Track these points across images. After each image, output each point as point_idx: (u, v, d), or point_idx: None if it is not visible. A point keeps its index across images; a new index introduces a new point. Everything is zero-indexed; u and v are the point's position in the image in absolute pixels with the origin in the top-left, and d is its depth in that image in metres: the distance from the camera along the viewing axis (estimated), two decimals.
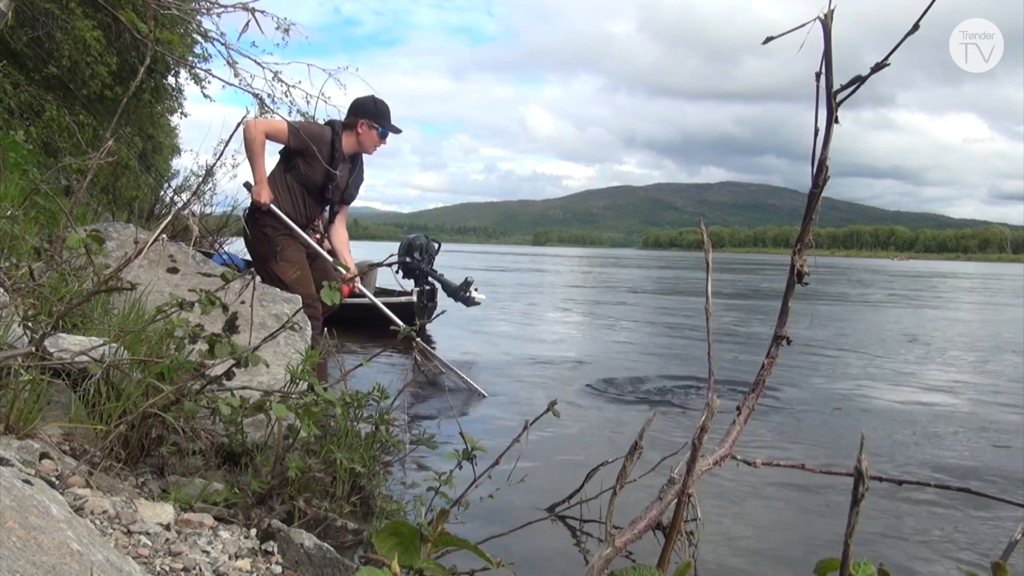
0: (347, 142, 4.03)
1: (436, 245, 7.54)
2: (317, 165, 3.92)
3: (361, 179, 4.22)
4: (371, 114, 4.03)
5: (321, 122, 4.20)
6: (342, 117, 4.15)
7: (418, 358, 4.65)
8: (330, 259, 3.96)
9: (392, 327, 2.56)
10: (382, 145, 4.14)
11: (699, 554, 2.07)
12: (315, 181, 3.95)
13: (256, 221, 3.93)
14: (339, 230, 4.23)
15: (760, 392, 1.74)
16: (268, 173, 4.00)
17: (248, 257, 4.30)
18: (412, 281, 7.40)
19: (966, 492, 1.82)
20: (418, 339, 4.32)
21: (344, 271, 2.37)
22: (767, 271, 35.64)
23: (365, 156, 4.20)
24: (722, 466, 1.72)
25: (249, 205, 3.99)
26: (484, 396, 4.53)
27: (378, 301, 4.59)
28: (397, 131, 4.16)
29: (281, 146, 3.97)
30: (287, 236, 3.91)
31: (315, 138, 3.91)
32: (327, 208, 4.20)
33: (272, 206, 3.89)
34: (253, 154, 3.82)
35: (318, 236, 4.21)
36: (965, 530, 2.64)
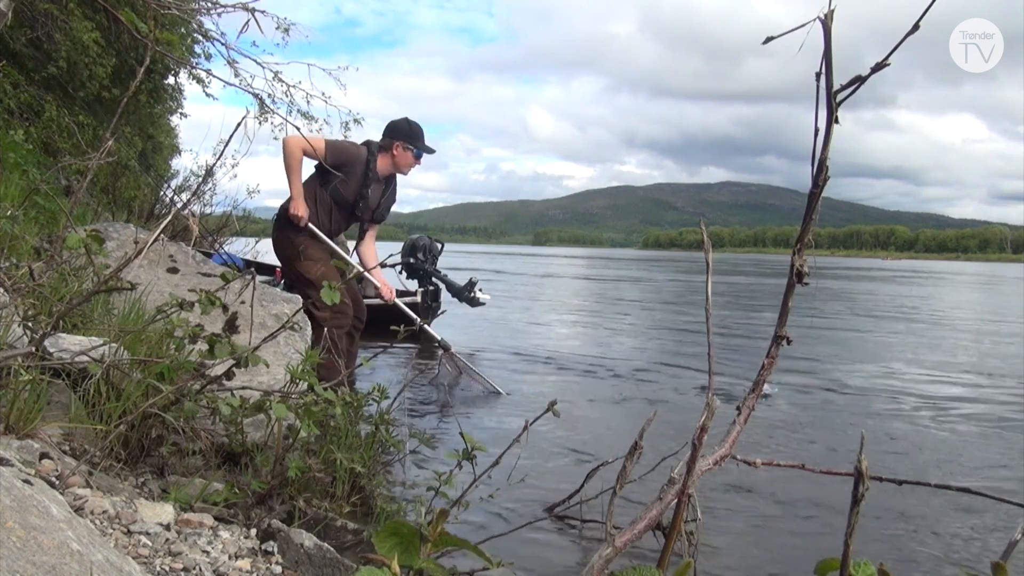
0: (382, 163, 4.12)
1: (439, 246, 7.56)
2: (351, 183, 4.02)
3: (393, 199, 4.31)
4: (406, 136, 4.12)
5: (358, 142, 4.24)
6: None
7: (444, 361, 4.69)
8: (358, 266, 3.95)
9: (393, 327, 2.55)
10: (417, 166, 4.23)
11: (699, 554, 2.07)
12: (347, 198, 4.05)
13: (280, 225, 4.02)
14: (368, 247, 4.31)
15: (760, 392, 1.74)
16: (303, 182, 4.06)
17: (247, 258, 4.33)
18: (416, 282, 7.41)
19: (966, 492, 1.82)
20: (450, 348, 4.37)
21: (345, 267, 2.36)
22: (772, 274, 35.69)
23: (400, 180, 4.29)
24: (722, 466, 1.73)
25: (278, 212, 4.06)
26: (503, 394, 4.57)
27: (408, 310, 4.59)
28: (431, 151, 4.25)
29: (314, 163, 4.03)
30: (308, 237, 3.98)
31: (351, 157, 4.01)
32: (357, 224, 4.26)
33: (310, 225, 3.96)
34: (290, 169, 3.91)
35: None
36: (965, 530, 2.65)
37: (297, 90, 7.79)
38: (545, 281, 20.74)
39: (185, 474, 2.02)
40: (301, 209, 3.92)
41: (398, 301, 4.43)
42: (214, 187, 9.98)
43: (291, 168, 3.90)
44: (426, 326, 4.37)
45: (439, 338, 4.74)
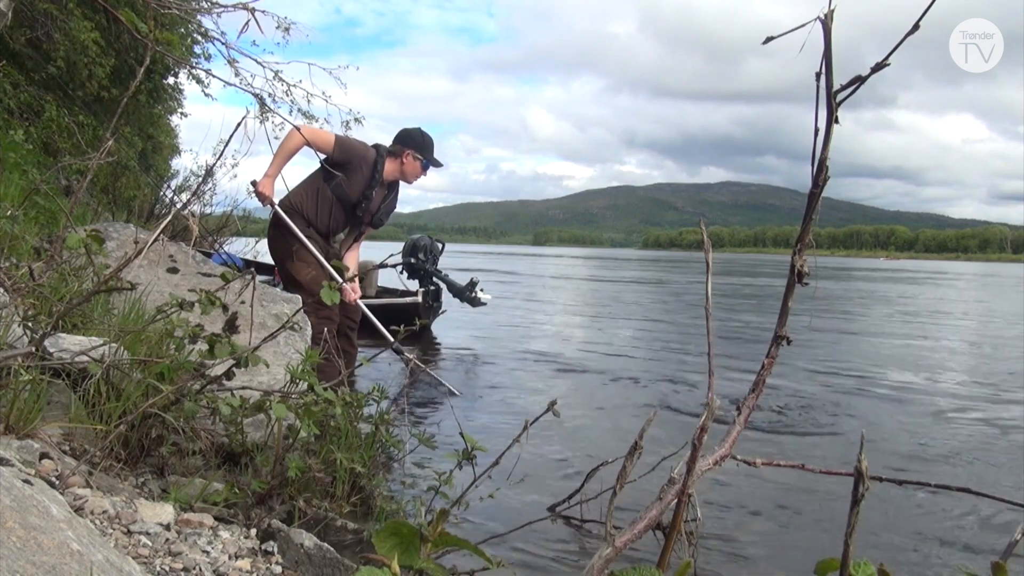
0: (389, 168, 4.08)
1: (440, 246, 7.56)
2: (355, 182, 3.96)
3: (394, 206, 4.27)
4: (418, 146, 4.10)
5: (368, 143, 4.21)
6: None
7: (408, 359, 4.64)
8: (332, 270, 3.91)
9: (393, 327, 2.56)
10: (422, 176, 4.20)
11: (699, 554, 2.07)
12: (349, 197, 3.99)
13: (275, 222, 3.98)
14: (352, 251, 4.24)
15: (760, 392, 1.74)
16: (306, 178, 4.04)
17: (247, 258, 4.29)
18: (417, 281, 7.41)
19: (966, 492, 1.82)
20: (398, 345, 4.30)
21: (340, 272, 2.36)
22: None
23: (401, 184, 4.25)
24: (722, 466, 1.72)
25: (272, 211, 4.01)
26: (457, 394, 4.52)
27: (370, 313, 4.54)
28: (439, 165, 4.23)
29: (322, 156, 3.98)
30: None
31: (359, 156, 3.96)
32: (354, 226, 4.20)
33: (278, 207, 3.90)
34: (280, 151, 3.84)
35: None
36: (965, 530, 2.65)
37: (297, 89, 7.80)
38: (560, 283, 20.59)
39: (185, 474, 2.02)
40: (268, 189, 3.84)
41: (362, 306, 4.34)
42: (214, 187, 9.99)
43: (281, 151, 3.84)
44: (381, 326, 4.33)
45: (392, 339, 4.66)
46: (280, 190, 4.02)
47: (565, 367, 5.88)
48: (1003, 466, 3.54)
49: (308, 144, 3.84)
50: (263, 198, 3.87)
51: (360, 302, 4.27)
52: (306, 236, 3.92)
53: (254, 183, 3.90)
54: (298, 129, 3.81)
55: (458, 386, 4.65)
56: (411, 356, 4.65)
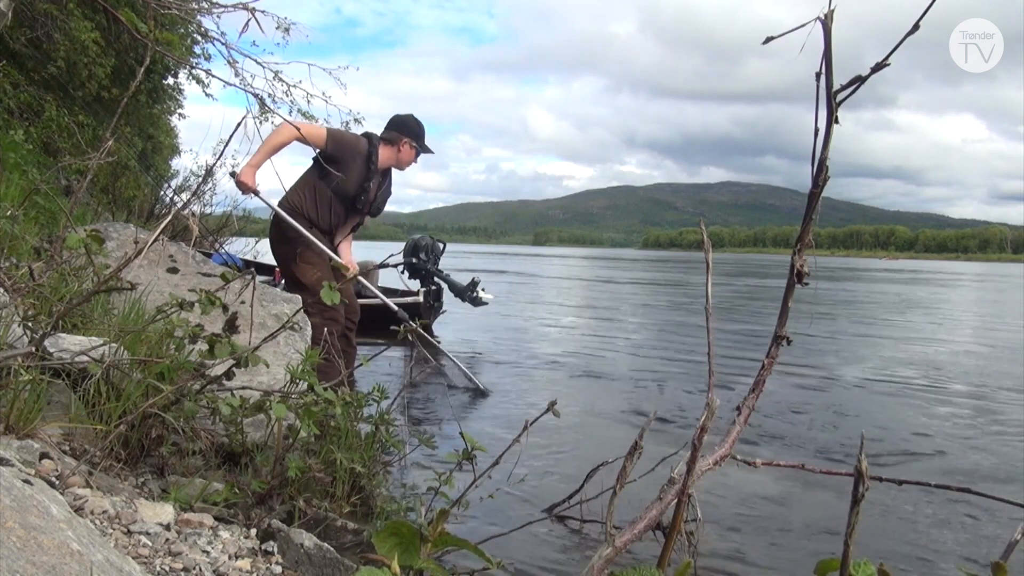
0: (385, 156, 4.05)
1: (441, 246, 7.56)
2: (351, 175, 3.92)
3: (389, 193, 4.24)
4: (414, 135, 4.08)
5: (358, 133, 4.18)
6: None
7: (415, 353, 4.62)
8: (337, 258, 3.89)
9: (393, 327, 2.56)
10: (414, 164, 4.19)
11: (699, 554, 2.07)
12: (347, 191, 3.95)
13: (278, 223, 3.94)
14: (346, 244, 4.21)
15: (760, 392, 1.74)
16: (300, 178, 4.02)
17: (247, 258, 4.26)
18: (418, 281, 7.41)
19: (966, 492, 1.82)
20: (422, 332, 4.27)
21: (344, 271, 2.36)
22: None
23: (399, 180, 4.24)
24: (722, 466, 1.73)
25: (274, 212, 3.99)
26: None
27: (384, 297, 4.54)
28: (431, 152, 4.22)
29: (314, 152, 3.94)
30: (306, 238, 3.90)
31: (351, 148, 3.93)
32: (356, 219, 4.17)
33: (261, 196, 3.86)
34: (267, 143, 3.79)
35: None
36: (965, 530, 2.65)
37: (297, 90, 7.80)
38: (569, 284, 20.49)
39: (185, 474, 2.02)
40: (249, 178, 3.77)
41: (362, 281, 4.28)
42: (214, 187, 9.99)
43: (268, 143, 3.78)
44: (391, 304, 4.30)
45: (396, 310, 4.55)
46: (276, 190, 4.00)
47: (566, 367, 5.88)
48: (1003, 465, 3.54)
49: (299, 138, 3.80)
50: (244, 187, 3.81)
51: (365, 285, 4.25)
52: (298, 234, 3.89)
53: (234, 173, 3.84)
54: (298, 128, 3.79)
55: (468, 385, 4.65)
56: (438, 342, 4.60)
